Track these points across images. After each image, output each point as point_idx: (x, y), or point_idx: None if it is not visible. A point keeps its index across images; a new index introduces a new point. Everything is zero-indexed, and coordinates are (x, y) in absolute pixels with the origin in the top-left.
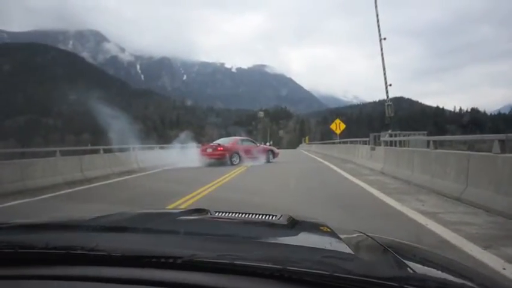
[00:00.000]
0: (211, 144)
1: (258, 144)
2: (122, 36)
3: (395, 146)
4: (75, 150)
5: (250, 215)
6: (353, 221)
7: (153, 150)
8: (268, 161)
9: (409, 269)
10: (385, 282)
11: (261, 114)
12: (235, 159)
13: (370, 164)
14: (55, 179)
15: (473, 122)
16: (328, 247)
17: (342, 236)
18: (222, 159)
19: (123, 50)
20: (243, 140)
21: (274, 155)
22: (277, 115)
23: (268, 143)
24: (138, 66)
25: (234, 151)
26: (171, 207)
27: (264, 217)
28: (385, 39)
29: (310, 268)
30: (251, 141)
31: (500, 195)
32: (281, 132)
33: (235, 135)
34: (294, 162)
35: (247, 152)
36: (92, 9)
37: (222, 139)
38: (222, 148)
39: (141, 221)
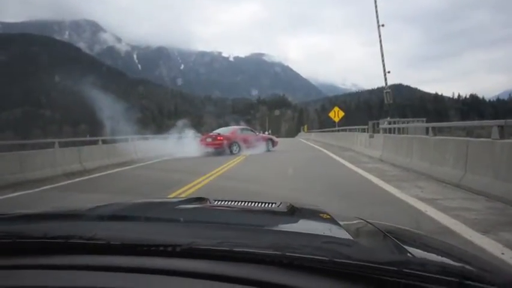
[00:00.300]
0: (211, 133)
1: (257, 133)
2: (119, 26)
3: (394, 133)
4: (74, 142)
5: (250, 203)
6: (352, 208)
7: (151, 140)
8: (268, 150)
9: (408, 253)
10: (385, 267)
11: (259, 101)
12: (235, 149)
13: (369, 151)
14: (54, 170)
15: (472, 108)
16: (327, 233)
17: (341, 223)
18: (221, 149)
19: (119, 39)
20: (242, 129)
21: (274, 143)
22: (275, 104)
23: (267, 132)
24: (135, 56)
25: (234, 140)
26: (171, 196)
27: (263, 205)
28: (383, 25)
29: (310, 254)
30: (250, 130)
31: (499, 181)
32: (280, 120)
33: (233, 125)
34: (292, 151)
35: (247, 141)
36: None
37: (221, 128)
38: (221, 138)
39: (141, 210)
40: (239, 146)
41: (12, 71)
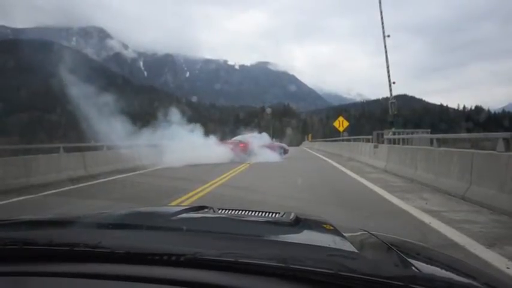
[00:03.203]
0: (231, 140)
1: (273, 141)
2: (125, 33)
3: (399, 144)
4: (79, 147)
5: (254, 212)
6: (356, 219)
7: (156, 147)
8: (281, 157)
9: (413, 268)
10: (391, 282)
11: (269, 110)
12: (253, 154)
13: (373, 162)
14: (59, 175)
15: (477, 120)
16: (332, 245)
17: (345, 234)
18: (243, 154)
19: (126, 46)
20: (261, 137)
21: (285, 151)
22: (280, 112)
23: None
24: (141, 63)
25: (253, 147)
26: (174, 204)
27: (267, 215)
28: (388, 36)
29: (314, 266)
30: (266, 138)
31: (504, 194)
32: (284, 129)
33: (239, 132)
34: (296, 160)
35: (264, 148)
36: (96, 6)
37: (241, 136)
38: (243, 144)
39: (144, 218)
40: (257, 152)
41: (19, 76)
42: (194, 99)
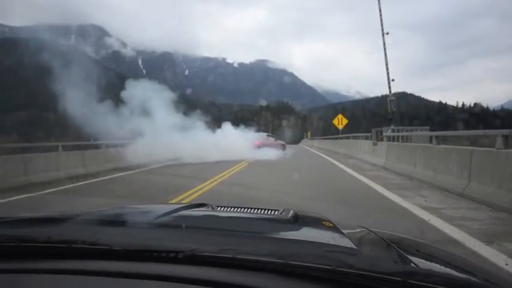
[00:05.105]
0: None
1: (275, 139)
2: (124, 31)
3: (398, 141)
4: (78, 145)
5: (253, 209)
6: (355, 216)
7: (156, 145)
8: (281, 153)
9: (412, 264)
10: (389, 277)
11: (263, 102)
12: (263, 150)
13: (373, 159)
14: (58, 173)
15: (476, 117)
16: (331, 242)
17: (344, 231)
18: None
19: (125, 44)
20: (268, 136)
21: (284, 148)
22: (279, 110)
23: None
24: (140, 61)
25: (262, 144)
26: (173, 201)
27: (266, 212)
28: (387, 33)
29: (312, 263)
30: (272, 136)
31: (503, 191)
32: (283, 126)
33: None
34: (296, 157)
35: (270, 145)
36: (94, 4)
37: (254, 134)
38: (258, 142)
39: (143, 215)
40: (265, 148)
41: (17, 74)
42: (188, 91)
